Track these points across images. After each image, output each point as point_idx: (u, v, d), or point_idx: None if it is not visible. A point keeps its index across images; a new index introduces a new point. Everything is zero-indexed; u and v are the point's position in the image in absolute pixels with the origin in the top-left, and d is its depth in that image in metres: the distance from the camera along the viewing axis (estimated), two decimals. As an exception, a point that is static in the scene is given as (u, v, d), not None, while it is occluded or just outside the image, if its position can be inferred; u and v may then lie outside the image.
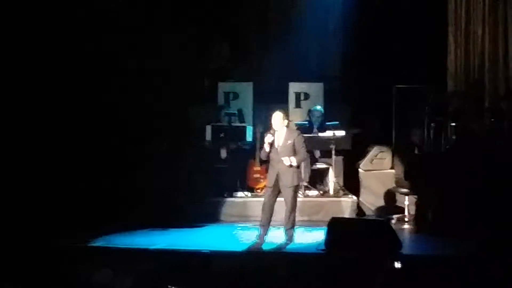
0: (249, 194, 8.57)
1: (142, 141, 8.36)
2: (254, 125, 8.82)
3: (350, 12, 9.30)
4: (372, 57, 9.10)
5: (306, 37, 9.34)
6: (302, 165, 7.33)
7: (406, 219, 8.13)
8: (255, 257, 6.70)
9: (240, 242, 7.22)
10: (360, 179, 8.87)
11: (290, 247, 6.97)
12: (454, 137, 8.12)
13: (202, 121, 8.98)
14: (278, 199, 7.09)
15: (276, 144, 7.02)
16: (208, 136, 8.74)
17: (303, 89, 9.43)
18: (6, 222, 7.11)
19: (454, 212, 7.29)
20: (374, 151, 8.90)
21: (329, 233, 6.67)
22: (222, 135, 8.68)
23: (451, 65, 8.60)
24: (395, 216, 8.22)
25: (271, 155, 7.05)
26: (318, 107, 9.05)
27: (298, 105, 9.38)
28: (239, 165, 8.67)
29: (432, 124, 8.25)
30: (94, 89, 8.23)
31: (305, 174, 7.98)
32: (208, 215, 8.24)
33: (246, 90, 9.37)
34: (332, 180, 8.57)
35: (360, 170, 8.90)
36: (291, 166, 6.96)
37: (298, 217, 7.32)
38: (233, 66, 9.65)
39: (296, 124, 8.69)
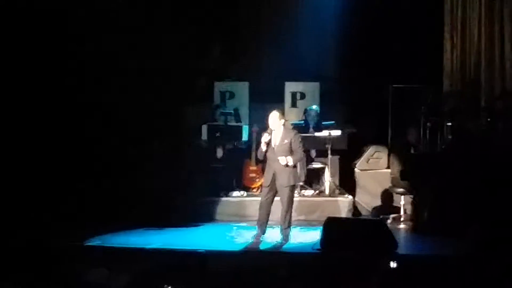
0: (245, 193, 8.47)
1: (142, 141, 8.28)
2: (250, 125, 8.74)
3: (346, 12, 9.19)
4: (368, 57, 9.02)
5: (302, 37, 9.25)
6: (298, 165, 7.26)
7: (402, 219, 8.06)
8: (251, 256, 6.62)
9: (236, 242, 7.15)
10: (356, 179, 8.77)
11: (286, 246, 6.89)
12: (450, 136, 8.04)
13: (198, 121, 8.88)
14: (275, 198, 7.04)
15: (273, 144, 6.99)
16: (204, 135, 8.65)
17: (299, 88, 9.36)
18: (6, 222, 7.01)
19: (450, 211, 7.22)
20: (370, 150, 8.79)
21: (324, 233, 6.59)
22: (218, 134, 8.59)
23: (447, 64, 8.52)
24: (391, 216, 8.12)
25: (268, 154, 7.01)
26: (314, 107, 8.96)
27: (294, 104, 9.30)
28: (235, 165, 8.58)
29: (428, 124, 8.17)
30: (94, 89, 8.15)
31: (301, 173, 7.90)
32: (204, 214, 8.15)
33: (242, 89, 9.30)
34: (328, 179, 8.47)
35: (356, 169, 8.80)
36: (287, 165, 6.90)
37: (294, 217, 7.30)
38: (229, 66, 9.58)
39: (292, 124, 8.51)
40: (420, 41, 8.77)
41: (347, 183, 8.68)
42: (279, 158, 6.86)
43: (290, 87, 9.34)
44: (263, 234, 7.03)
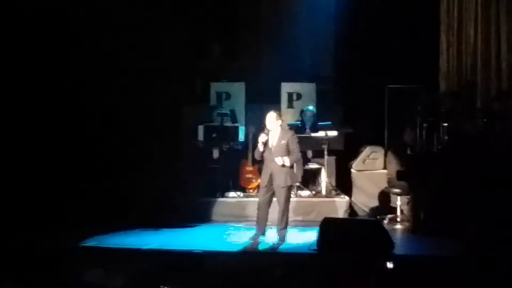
0: (241, 194, 8.35)
1: (142, 141, 8.18)
2: (246, 125, 8.63)
3: (343, 13, 9.08)
4: (365, 58, 8.90)
5: (299, 38, 9.14)
6: (295, 165, 7.09)
7: (398, 219, 7.94)
8: (247, 257, 6.57)
9: (233, 242, 7.02)
10: (352, 179, 8.64)
11: (283, 247, 6.78)
12: (446, 137, 7.87)
13: (196, 121, 8.74)
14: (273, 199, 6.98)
15: (270, 144, 6.90)
16: (201, 136, 8.51)
17: (295, 89, 9.18)
18: (6, 222, 6.91)
19: (447, 212, 7.12)
20: (366, 151, 8.66)
21: (321, 233, 6.49)
22: (214, 135, 8.44)
23: (443, 65, 8.41)
24: (387, 216, 8.03)
25: (265, 155, 6.91)
26: (311, 107, 8.82)
27: (290, 105, 9.13)
28: (231, 165, 8.46)
29: (424, 124, 7.97)
30: (94, 89, 8.04)
31: (297, 174, 7.70)
32: (200, 215, 8.03)
33: (238, 90, 9.13)
34: (324, 180, 8.35)
35: (352, 170, 8.67)
36: (283, 166, 6.76)
37: (290, 217, 7.23)
38: (226, 66, 9.41)
39: (289, 125, 8.42)
40: (416, 41, 8.66)
41: (343, 184, 8.57)
42: (276, 158, 6.76)
43: (287, 87, 9.19)
44: (263, 235, 6.93)
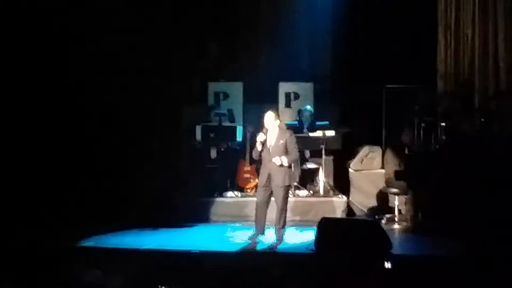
0: (239, 194, 8.25)
1: (141, 141, 8.07)
2: (244, 125, 8.56)
3: (341, 13, 8.98)
4: (362, 57, 8.84)
5: (296, 37, 9.05)
6: (293, 165, 7.04)
7: (396, 219, 7.84)
8: (245, 257, 6.47)
9: (231, 242, 6.94)
10: (350, 179, 8.52)
11: (281, 247, 6.68)
12: (444, 137, 7.79)
13: (192, 121, 8.67)
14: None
15: (268, 144, 6.82)
16: (198, 136, 8.45)
17: (293, 89, 9.12)
18: (6, 222, 6.85)
19: (445, 212, 7.02)
20: (364, 151, 8.54)
21: (319, 233, 6.41)
22: (212, 135, 8.38)
23: (441, 65, 8.28)
24: (385, 216, 7.94)
25: (263, 154, 6.83)
26: (308, 107, 8.74)
27: (288, 105, 9.06)
28: (229, 165, 8.37)
29: (422, 124, 7.91)
30: (94, 89, 7.94)
31: (295, 174, 7.71)
32: (198, 215, 7.93)
33: (236, 90, 9.05)
34: (322, 180, 8.24)
35: (350, 170, 8.55)
36: (281, 165, 6.68)
37: (288, 217, 7.12)
38: (224, 66, 9.34)
39: (287, 124, 8.32)
40: (414, 41, 8.58)
41: (341, 184, 8.47)
42: (273, 158, 6.68)
43: (284, 87, 9.12)
44: (262, 234, 6.82)
